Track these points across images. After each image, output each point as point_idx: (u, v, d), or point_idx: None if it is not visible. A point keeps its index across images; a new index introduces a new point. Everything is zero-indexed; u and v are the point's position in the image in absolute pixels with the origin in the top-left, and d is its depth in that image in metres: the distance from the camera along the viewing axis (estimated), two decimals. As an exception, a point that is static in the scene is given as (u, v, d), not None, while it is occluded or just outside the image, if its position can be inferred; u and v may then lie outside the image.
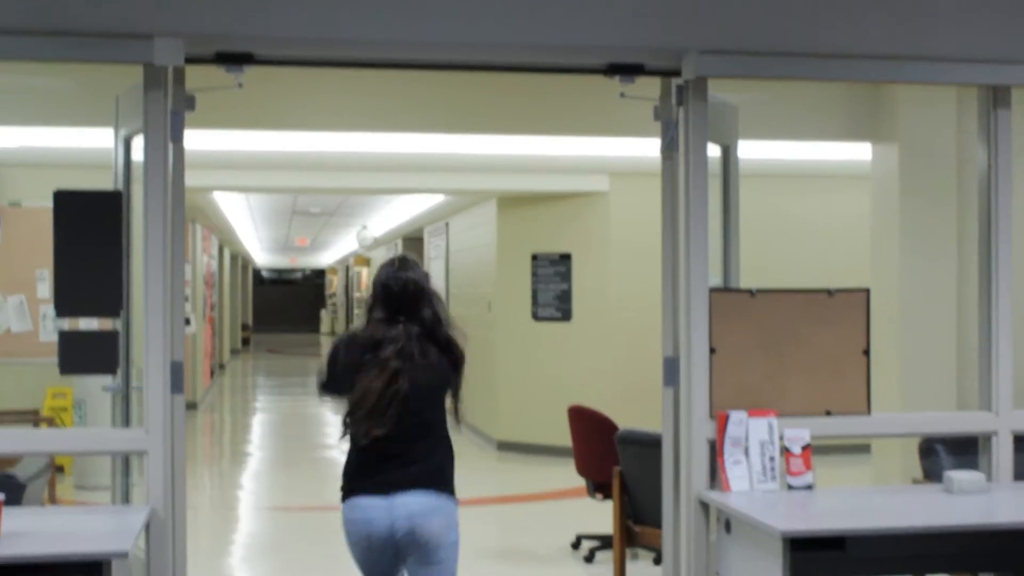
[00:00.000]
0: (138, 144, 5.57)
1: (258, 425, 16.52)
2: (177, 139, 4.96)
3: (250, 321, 39.08)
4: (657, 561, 7.37)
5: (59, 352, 4.73)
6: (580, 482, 10.26)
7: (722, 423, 5.13)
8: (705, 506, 5.13)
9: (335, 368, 4.46)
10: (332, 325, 44.02)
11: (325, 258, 39.18)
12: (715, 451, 5.15)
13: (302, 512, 9.50)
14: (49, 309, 10.74)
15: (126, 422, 5.51)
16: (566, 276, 11.92)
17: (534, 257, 12.14)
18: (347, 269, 36.86)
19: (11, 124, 9.03)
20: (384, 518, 4.23)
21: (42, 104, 7.96)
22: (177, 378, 4.82)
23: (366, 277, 30.39)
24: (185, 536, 4.88)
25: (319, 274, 48.57)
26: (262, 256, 37.62)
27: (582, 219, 11.87)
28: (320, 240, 28.36)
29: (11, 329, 10.76)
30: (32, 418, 9.82)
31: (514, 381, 12.40)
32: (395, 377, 4.27)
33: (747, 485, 5.10)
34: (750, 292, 5.29)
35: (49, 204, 10.62)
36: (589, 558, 7.46)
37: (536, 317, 12.15)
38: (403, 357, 4.30)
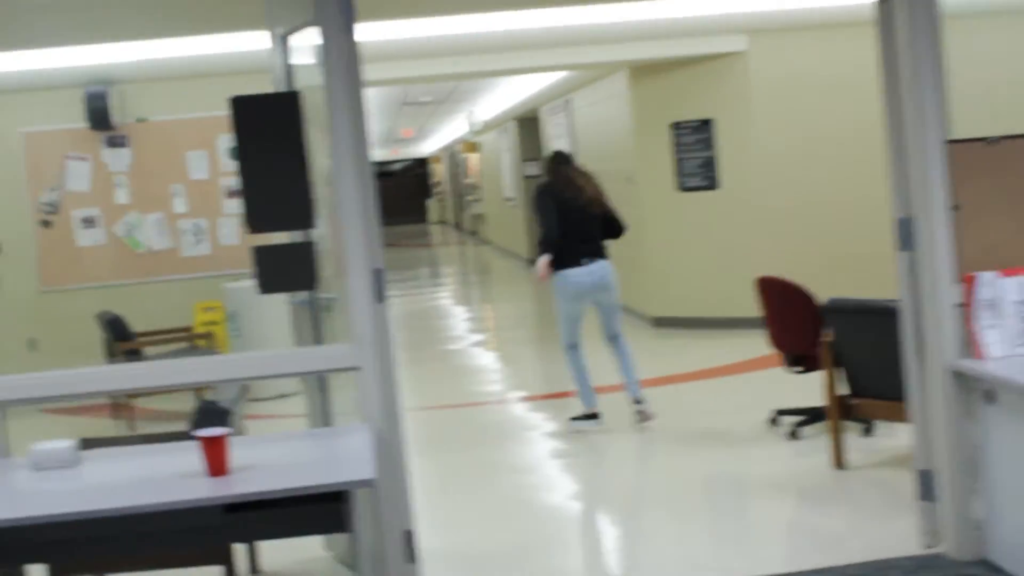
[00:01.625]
0: (296, 42, 5.21)
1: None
2: (350, 26, 4.53)
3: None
4: (866, 432, 7.00)
5: (257, 271, 4.40)
6: (749, 354, 9.93)
7: (969, 286, 4.68)
8: (958, 376, 4.70)
9: (548, 204, 7.52)
10: (442, 214, 43.76)
11: (426, 147, 38.79)
12: (964, 316, 4.70)
13: (441, 411, 9.19)
14: (188, 224, 10.55)
15: (317, 334, 5.22)
16: (709, 143, 11.37)
17: (674, 126, 11.59)
18: (451, 156, 36.42)
19: (129, 38, 8.74)
20: (587, 278, 7.48)
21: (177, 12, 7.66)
22: (379, 286, 4.48)
23: (476, 162, 29.94)
24: (405, 455, 4.58)
25: (420, 163, 48.23)
26: (363, 151, 37.29)
27: (721, 82, 11.28)
28: (425, 129, 27.95)
29: (152, 247, 10.61)
30: (185, 335, 9.65)
31: (663, 255, 11.96)
32: (588, 200, 7.56)
33: (1002, 350, 4.67)
34: (991, 140, 4.77)
35: (174, 116, 10.34)
36: (793, 434, 7.06)
37: (681, 188, 11.65)
38: (587, 188, 7.63)
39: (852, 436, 6.83)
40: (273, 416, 8.77)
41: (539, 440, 7.89)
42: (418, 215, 46.36)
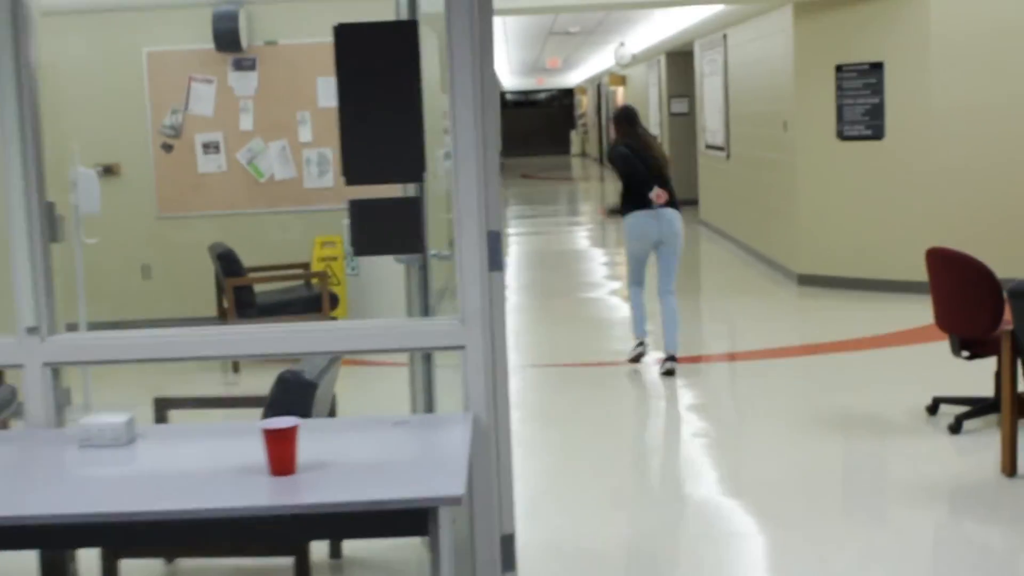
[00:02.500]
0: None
1: (515, 264, 15.51)
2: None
3: (500, 146, 38.42)
4: (1040, 433, 6.18)
5: (352, 229, 3.78)
6: (906, 324, 9.08)
7: None
8: None
9: (618, 160, 8.06)
10: (583, 146, 42.95)
11: (572, 78, 37.89)
12: None
13: (568, 369, 8.51)
14: (312, 154, 10.04)
15: (424, 299, 4.61)
16: (877, 89, 10.42)
17: (839, 68, 10.65)
18: (598, 88, 35.49)
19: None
20: (652, 220, 7.93)
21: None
22: (495, 252, 3.83)
23: (622, 96, 29.01)
24: (510, 449, 3.95)
25: (566, 94, 47.33)
26: (508, 79, 36.67)
27: (897, 22, 10.29)
28: (572, 60, 27.13)
29: (274, 176, 10.11)
30: (303, 273, 9.17)
31: (816, 206, 11.06)
32: (656, 157, 8.04)
33: None
34: None
35: (305, 40, 9.77)
36: (955, 428, 6.25)
37: (842, 136, 10.73)
38: (649, 143, 8.16)
39: (1022, 437, 6.00)
40: (369, 363, 8.19)
41: (670, 413, 7.21)
42: (560, 146, 45.53)
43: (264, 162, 10.02)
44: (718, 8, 13.03)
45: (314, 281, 8.94)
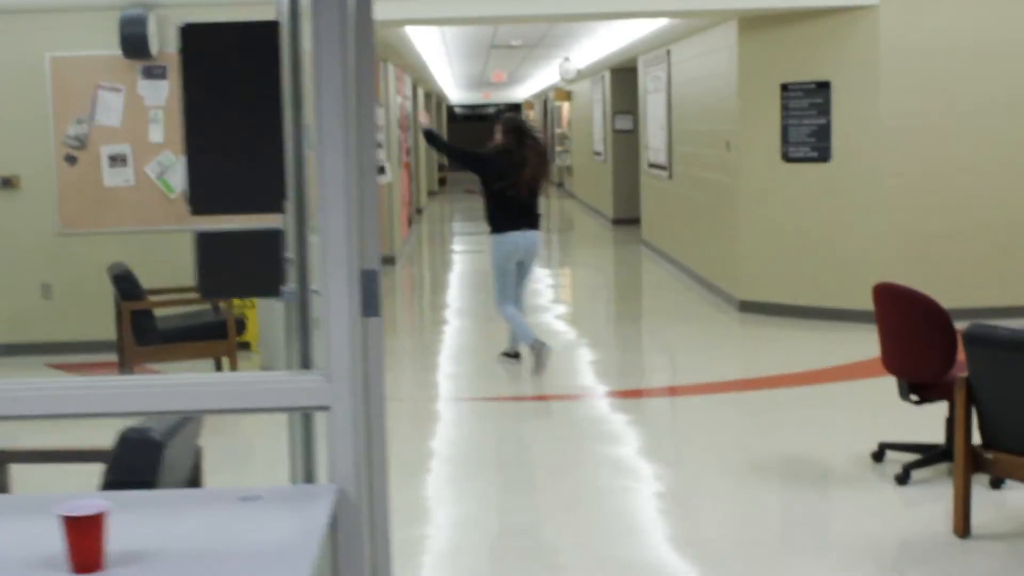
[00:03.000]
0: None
1: (458, 283, 14.98)
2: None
3: (445, 161, 37.90)
4: (994, 484, 5.68)
5: (198, 267, 3.19)
6: (851, 356, 8.61)
7: None
8: None
9: (483, 159, 8.81)
10: (530, 162, 42.49)
11: (520, 92, 37.42)
12: None
13: (495, 404, 7.94)
14: (227, 167, 9.42)
15: (304, 345, 4.02)
16: (824, 109, 9.95)
17: (784, 87, 10.18)
18: (545, 103, 35.07)
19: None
20: (522, 241, 8.49)
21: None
22: (371, 295, 3.26)
23: (568, 112, 28.54)
24: (387, 523, 3.39)
25: (513, 108, 46.88)
26: (455, 93, 36.13)
27: (844, 40, 9.84)
28: (517, 74, 26.63)
29: (184, 192, 9.50)
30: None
31: (760, 232, 10.58)
32: (531, 170, 8.42)
33: None
34: None
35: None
36: (902, 478, 5.74)
37: (787, 158, 10.25)
38: (531, 160, 8.45)
39: (976, 488, 5.48)
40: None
41: (603, 458, 6.59)
42: (508, 161, 44.99)
43: (175, 176, 9.40)
44: (662, 23, 12.55)
45: (222, 304, 8.32)
